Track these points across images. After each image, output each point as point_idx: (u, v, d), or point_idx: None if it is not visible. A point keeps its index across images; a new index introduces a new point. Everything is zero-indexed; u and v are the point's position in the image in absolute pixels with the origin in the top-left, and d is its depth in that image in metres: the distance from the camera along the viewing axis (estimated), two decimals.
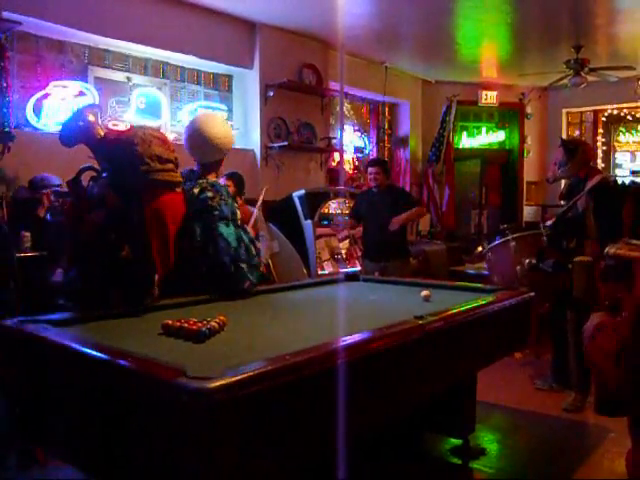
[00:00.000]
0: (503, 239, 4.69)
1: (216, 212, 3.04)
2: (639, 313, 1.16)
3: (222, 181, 5.12)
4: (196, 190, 3.08)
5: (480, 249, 5.20)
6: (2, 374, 2.31)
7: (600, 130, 9.99)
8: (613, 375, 1.18)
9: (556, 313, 4.42)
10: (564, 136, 10.13)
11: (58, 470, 3.00)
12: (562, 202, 4.61)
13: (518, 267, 4.39)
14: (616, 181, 4.69)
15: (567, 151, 4.36)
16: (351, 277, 3.99)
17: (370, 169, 5.62)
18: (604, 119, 9.96)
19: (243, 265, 3.03)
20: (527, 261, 4.35)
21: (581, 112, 10.17)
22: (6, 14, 4.64)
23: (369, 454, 3.03)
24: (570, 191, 4.40)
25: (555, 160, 4.53)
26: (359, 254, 6.27)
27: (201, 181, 3.14)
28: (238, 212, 3.19)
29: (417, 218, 5.77)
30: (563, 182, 5.34)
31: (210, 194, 3.08)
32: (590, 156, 4.64)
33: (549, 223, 4.42)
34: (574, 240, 4.20)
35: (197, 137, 3.17)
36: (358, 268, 6.03)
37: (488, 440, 3.67)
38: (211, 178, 3.21)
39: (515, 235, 4.62)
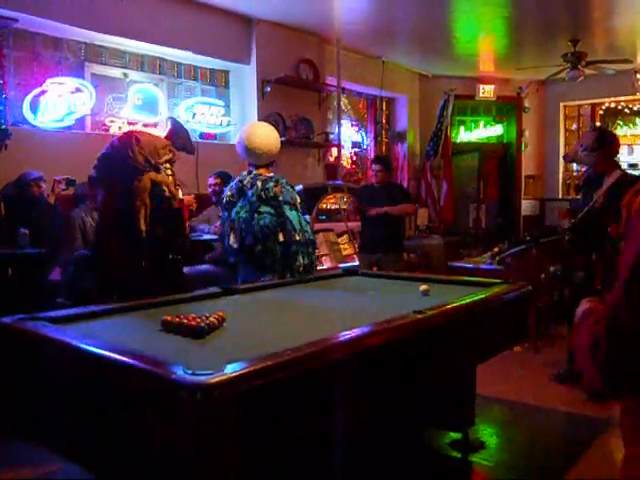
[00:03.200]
0: (525, 246, 4.65)
1: (280, 198, 3.58)
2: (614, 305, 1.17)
3: (211, 180, 5.23)
4: (259, 183, 3.61)
5: (496, 250, 5.16)
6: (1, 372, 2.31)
7: (598, 123, 9.97)
8: (589, 365, 1.19)
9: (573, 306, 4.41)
10: (561, 131, 10.16)
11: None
12: (578, 196, 4.58)
13: (543, 275, 4.35)
14: (636, 178, 4.65)
15: (600, 138, 4.29)
16: (350, 272, 3.99)
17: (374, 166, 5.89)
18: (602, 112, 9.95)
19: (303, 245, 3.57)
20: (552, 269, 4.31)
21: (579, 105, 10.17)
22: (2, 11, 4.63)
23: (369, 448, 3.03)
24: (588, 186, 4.36)
25: (582, 139, 4.46)
26: (357, 249, 6.33)
27: (260, 176, 3.67)
28: (298, 198, 3.71)
29: (401, 214, 5.80)
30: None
31: (272, 184, 3.61)
32: (617, 152, 4.59)
33: (567, 225, 4.37)
34: (593, 239, 4.19)
35: (245, 149, 3.70)
36: (356, 263, 6.09)
37: (487, 433, 3.67)
38: (266, 173, 3.72)
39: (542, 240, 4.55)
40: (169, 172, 3.33)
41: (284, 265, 3.57)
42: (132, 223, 3.12)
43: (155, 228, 3.20)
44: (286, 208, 3.58)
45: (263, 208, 3.56)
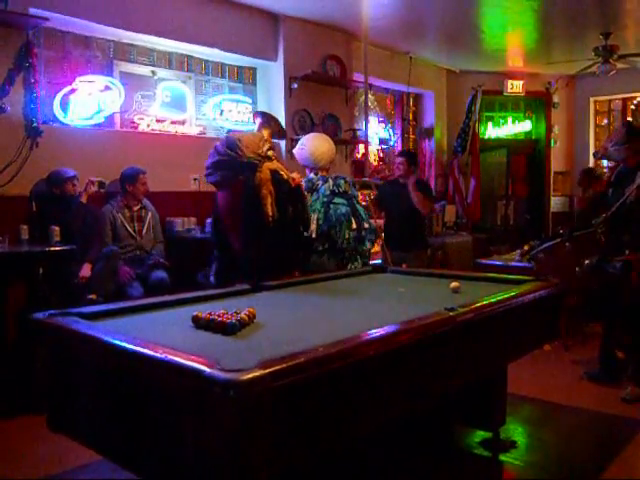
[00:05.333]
0: (558, 240, 4.57)
1: (350, 192, 4.27)
2: None
3: None
4: (330, 180, 4.25)
5: (527, 247, 5.07)
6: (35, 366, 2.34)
7: (629, 119, 9.78)
8: None
9: (608, 307, 4.35)
10: (591, 126, 9.99)
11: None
12: (609, 190, 4.52)
13: (577, 268, 4.29)
14: None
15: (629, 132, 4.25)
16: (378, 269, 3.97)
17: (397, 159, 5.84)
18: (633, 107, 9.76)
19: (370, 233, 4.30)
20: (587, 262, 4.25)
21: (609, 100, 9.98)
22: (33, 10, 4.69)
23: (399, 445, 3.02)
24: (619, 180, 4.30)
25: (612, 138, 4.42)
26: (382, 246, 6.29)
27: (328, 175, 4.33)
28: (359, 194, 4.51)
29: (419, 202, 5.65)
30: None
31: (342, 181, 4.28)
32: None
33: (600, 219, 4.31)
34: (627, 233, 4.13)
35: (311, 156, 4.35)
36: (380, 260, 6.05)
37: (518, 433, 3.63)
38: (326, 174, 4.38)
39: (576, 234, 4.48)
40: (274, 160, 3.68)
41: (355, 248, 4.18)
42: (258, 211, 3.49)
43: (286, 209, 3.64)
44: (355, 201, 4.26)
45: (337, 200, 4.18)
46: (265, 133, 3.85)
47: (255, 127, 4.07)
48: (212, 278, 3.89)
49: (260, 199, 3.50)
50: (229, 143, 3.60)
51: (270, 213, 3.50)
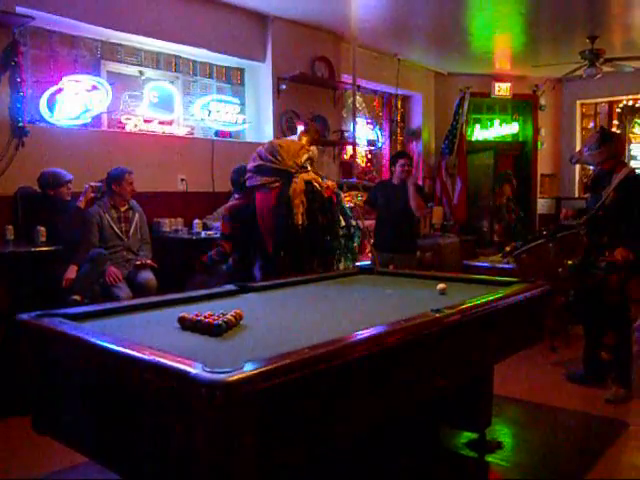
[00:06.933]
0: (541, 241, 4.61)
1: (335, 190, 4.25)
2: None
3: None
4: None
5: (508, 248, 5.11)
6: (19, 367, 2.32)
7: (615, 122, 9.87)
8: None
9: (591, 307, 4.39)
10: (577, 129, 10.07)
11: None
12: (586, 194, 4.58)
13: (560, 269, 4.34)
14: None
15: (603, 137, 4.30)
16: (366, 270, 3.98)
17: (401, 160, 5.81)
18: (619, 110, 9.83)
19: (358, 230, 4.42)
20: (570, 263, 4.30)
21: (596, 103, 10.06)
22: (19, 9, 4.65)
23: (385, 447, 3.02)
24: (596, 184, 4.35)
25: (586, 140, 4.49)
26: (371, 247, 6.29)
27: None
28: (342, 194, 4.57)
29: (415, 204, 5.65)
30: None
31: (325, 180, 4.25)
32: (621, 150, 4.59)
33: (580, 221, 4.36)
34: (605, 236, 4.18)
35: None
36: (369, 262, 6.05)
37: (504, 434, 3.65)
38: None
39: (560, 234, 4.53)
40: (310, 170, 3.98)
41: (345, 245, 4.23)
42: (289, 218, 3.82)
43: (317, 218, 3.90)
44: (340, 199, 4.29)
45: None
46: (304, 140, 4.10)
47: (296, 135, 4.35)
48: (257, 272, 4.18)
49: (292, 207, 3.81)
50: (271, 149, 3.91)
51: (300, 222, 3.82)
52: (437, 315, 2.33)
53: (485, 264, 5.88)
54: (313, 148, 4.15)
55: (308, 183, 3.88)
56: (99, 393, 1.94)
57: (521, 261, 4.82)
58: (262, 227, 3.97)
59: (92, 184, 4.57)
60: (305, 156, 3.97)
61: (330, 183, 4.16)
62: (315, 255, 3.98)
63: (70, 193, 4.58)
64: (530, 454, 3.47)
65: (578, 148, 9.64)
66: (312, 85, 6.92)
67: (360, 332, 2.04)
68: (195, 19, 5.89)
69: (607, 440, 3.55)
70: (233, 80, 6.72)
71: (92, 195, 4.59)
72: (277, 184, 3.87)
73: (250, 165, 4.01)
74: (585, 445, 3.61)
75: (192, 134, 6.25)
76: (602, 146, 4.27)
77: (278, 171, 3.87)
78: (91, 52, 5.51)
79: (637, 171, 4.54)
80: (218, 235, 4.91)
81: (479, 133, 9.82)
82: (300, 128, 4.36)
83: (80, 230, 4.47)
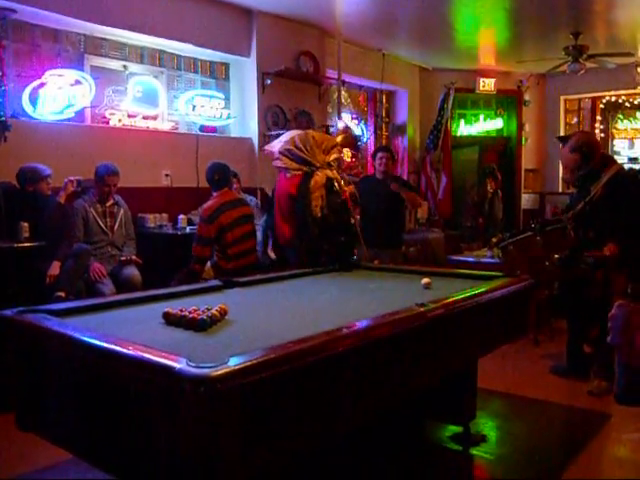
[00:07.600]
0: (529, 233, 4.63)
1: None
2: None
3: None
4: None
5: (495, 240, 5.12)
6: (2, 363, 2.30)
7: (598, 117, 9.96)
8: None
9: (575, 301, 4.43)
10: (561, 124, 10.12)
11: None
12: (574, 190, 4.59)
13: (547, 262, 4.36)
14: (635, 172, 4.60)
15: (583, 158, 4.30)
16: (352, 265, 3.98)
17: (380, 154, 5.77)
18: (602, 106, 9.91)
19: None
20: (557, 256, 4.32)
21: (579, 99, 10.14)
22: (1, 2, 4.61)
23: (370, 441, 3.03)
24: (584, 180, 4.37)
25: (567, 164, 4.47)
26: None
27: None
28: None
29: (411, 201, 5.73)
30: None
31: None
32: (597, 145, 4.59)
33: (568, 215, 4.39)
34: (592, 231, 4.21)
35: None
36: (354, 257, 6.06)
37: (488, 427, 3.67)
38: None
39: (547, 228, 4.55)
40: (334, 169, 4.05)
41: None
42: (307, 209, 3.87)
43: (329, 215, 3.92)
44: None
45: None
46: (339, 138, 4.31)
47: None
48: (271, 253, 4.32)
49: (311, 200, 3.87)
50: (305, 139, 4.01)
51: (319, 215, 3.89)
52: (422, 309, 2.35)
53: (470, 258, 5.92)
54: (345, 150, 4.21)
55: (329, 180, 3.96)
56: (84, 389, 1.93)
57: (508, 253, 4.85)
58: (277, 210, 4.10)
59: (71, 178, 4.49)
60: (334, 155, 4.07)
61: (351, 188, 4.21)
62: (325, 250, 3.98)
63: (50, 188, 4.52)
64: (514, 447, 3.50)
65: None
66: (297, 80, 6.92)
67: (344, 326, 2.05)
68: (180, 13, 5.85)
69: (590, 432, 3.59)
70: (218, 75, 6.70)
71: (72, 189, 4.50)
72: (299, 172, 3.97)
73: (280, 147, 4.09)
74: (568, 437, 3.65)
75: (176, 129, 6.22)
76: (589, 160, 4.27)
77: (304, 161, 3.96)
78: (74, 46, 5.47)
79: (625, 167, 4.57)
80: None
81: (464, 128, 9.86)
82: (341, 125, 4.36)
83: (62, 225, 4.42)
